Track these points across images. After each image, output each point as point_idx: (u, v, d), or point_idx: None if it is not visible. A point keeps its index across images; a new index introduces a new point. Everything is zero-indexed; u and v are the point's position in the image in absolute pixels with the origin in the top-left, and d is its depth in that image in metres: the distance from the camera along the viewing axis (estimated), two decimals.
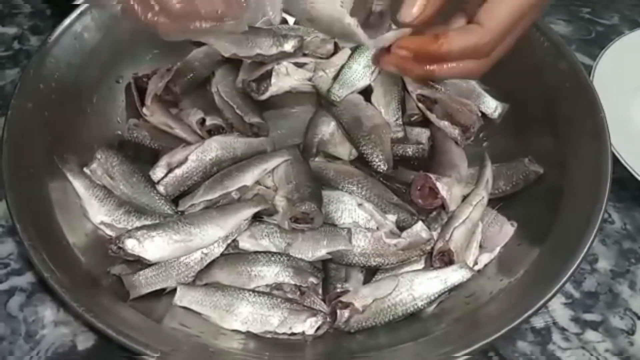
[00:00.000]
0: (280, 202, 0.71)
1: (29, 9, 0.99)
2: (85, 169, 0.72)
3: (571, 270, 0.60)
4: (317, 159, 0.76)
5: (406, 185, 0.75)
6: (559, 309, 0.71)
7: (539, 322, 0.70)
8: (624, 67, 0.86)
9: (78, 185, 0.70)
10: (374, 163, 0.76)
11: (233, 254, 0.69)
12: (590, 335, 0.69)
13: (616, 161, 0.72)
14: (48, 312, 0.69)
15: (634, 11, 1.02)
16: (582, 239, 0.61)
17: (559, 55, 0.75)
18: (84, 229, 0.68)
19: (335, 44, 0.85)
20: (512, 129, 0.79)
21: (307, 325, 0.63)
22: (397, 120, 0.80)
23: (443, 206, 0.72)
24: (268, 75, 0.79)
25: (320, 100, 0.83)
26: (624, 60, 0.87)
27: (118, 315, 0.60)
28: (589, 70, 0.84)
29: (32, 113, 0.69)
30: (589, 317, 0.70)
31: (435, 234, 0.70)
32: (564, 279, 0.59)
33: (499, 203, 0.74)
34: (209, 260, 0.67)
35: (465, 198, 0.73)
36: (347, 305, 0.64)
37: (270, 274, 0.67)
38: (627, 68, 0.87)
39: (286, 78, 0.80)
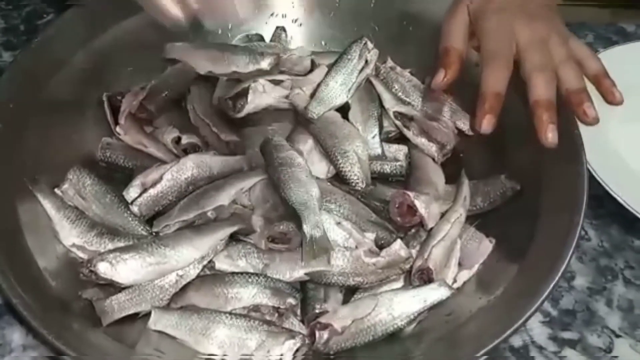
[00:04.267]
0: (257, 221, 0.70)
1: (2, 25, 0.98)
2: (56, 190, 0.70)
3: (550, 288, 0.60)
4: None
5: (384, 202, 0.74)
6: (536, 327, 0.71)
7: (517, 341, 0.69)
8: None
9: (49, 206, 0.68)
10: (352, 181, 0.75)
11: (209, 276, 0.67)
12: (569, 353, 0.69)
13: (592, 178, 0.73)
14: (16, 335, 0.67)
15: (608, 30, 1.03)
16: (560, 256, 0.61)
17: None
18: (55, 251, 0.67)
19: (312, 62, 0.85)
20: (488, 146, 0.79)
21: (286, 348, 0.62)
22: (374, 137, 0.79)
23: (421, 224, 0.72)
24: (244, 92, 0.79)
25: (298, 118, 0.82)
26: None
27: (89, 341, 0.59)
28: None
29: (2, 132, 0.68)
30: (566, 335, 0.70)
31: (414, 252, 0.70)
32: (543, 296, 0.59)
33: (476, 220, 0.74)
34: (184, 283, 0.66)
35: (443, 215, 0.72)
36: (325, 327, 0.63)
37: (247, 295, 0.65)
38: None
39: (263, 95, 0.80)
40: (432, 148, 0.78)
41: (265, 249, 0.68)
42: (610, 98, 0.72)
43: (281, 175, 0.71)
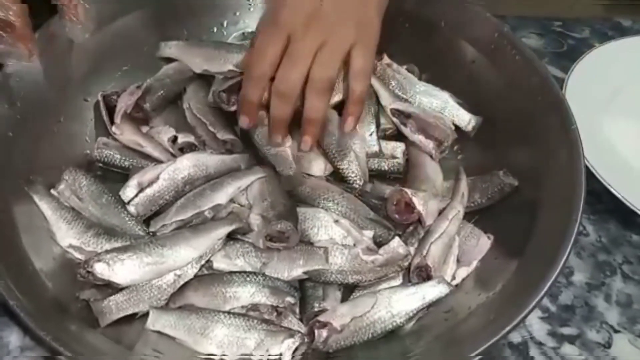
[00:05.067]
0: (255, 220, 0.70)
1: None
2: (52, 191, 0.70)
3: (548, 284, 0.60)
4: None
5: (382, 200, 0.74)
6: (535, 323, 0.71)
7: (516, 337, 0.69)
8: (595, 80, 0.87)
9: (45, 207, 0.68)
10: (350, 178, 0.75)
11: (207, 275, 0.67)
12: (568, 349, 0.69)
13: (590, 174, 0.73)
14: (14, 337, 0.66)
15: (604, 25, 1.04)
16: (558, 251, 0.61)
17: (532, 69, 0.76)
18: (52, 253, 0.66)
19: None
20: (486, 142, 0.79)
21: (285, 347, 0.62)
22: (371, 134, 0.79)
23: (419, 221, 0.72)
24: (238, 87, 0.78)
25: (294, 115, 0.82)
26: (596, 73, 0.88)
27: (87, 342, 0.58)
28: (561, 83, 0.85)
29: None
30: (565, 330, 0.71)
31: (412, 249, 0.69)
32: (542, 292, 0.59)
33: (475, 216, 0.74)
34: (182, 282, 0.66)
35: (441, 212, 0.72)
36: (324, 325, 0.63)
37: (245, 294, 0.65)
38: (598, 81, 0.88)
39: None
40: (430, 145, 0.78)
41: (263, 247, 0.67)
42: (342, 125, 0.73)
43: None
